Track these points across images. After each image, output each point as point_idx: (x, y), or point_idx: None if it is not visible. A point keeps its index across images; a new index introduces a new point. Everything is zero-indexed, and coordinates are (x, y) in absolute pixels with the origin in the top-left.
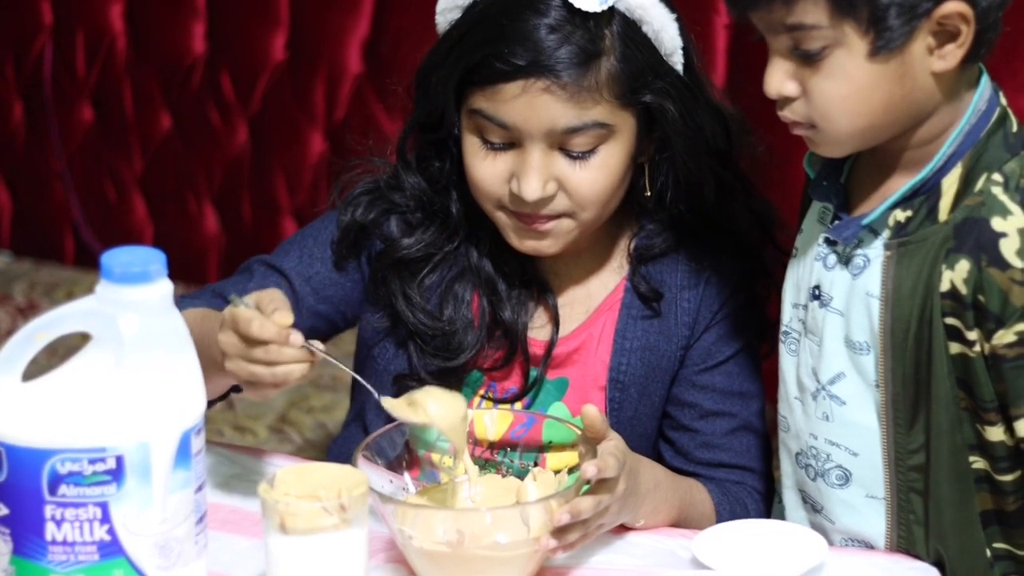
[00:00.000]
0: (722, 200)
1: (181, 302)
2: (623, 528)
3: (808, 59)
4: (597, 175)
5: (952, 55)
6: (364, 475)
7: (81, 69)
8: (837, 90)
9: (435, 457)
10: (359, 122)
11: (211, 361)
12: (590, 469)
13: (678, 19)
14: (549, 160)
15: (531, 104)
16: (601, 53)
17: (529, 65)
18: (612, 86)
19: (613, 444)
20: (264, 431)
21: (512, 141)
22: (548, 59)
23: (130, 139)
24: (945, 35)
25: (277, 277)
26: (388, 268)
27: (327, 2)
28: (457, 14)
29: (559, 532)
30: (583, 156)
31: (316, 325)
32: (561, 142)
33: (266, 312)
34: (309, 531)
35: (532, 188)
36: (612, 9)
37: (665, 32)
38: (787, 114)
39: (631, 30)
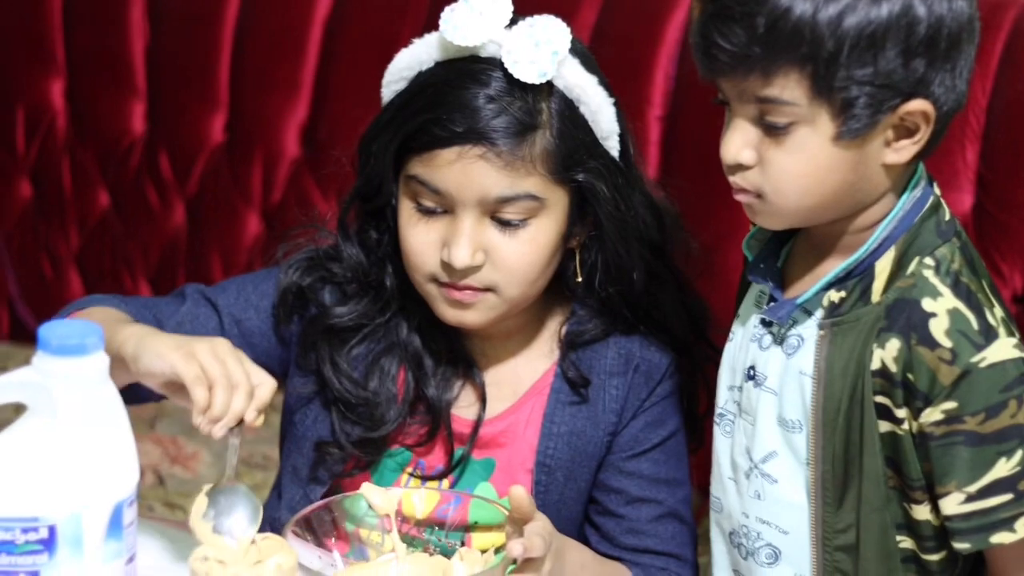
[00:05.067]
0: (652, 289)
1: (94, 299)
2: None
3: (772, 131)
4: (526, 248)
5: (907, 150)
6: (293, 549)
7: (20, 145)
8: (795, 166)
9: (363, 533)
10: (295, 205)
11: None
12: (516, 548)
13: (616, 104)
14: (480, 229)
15: (466, 170)
16: (537, 126)
17: (466, 132)
18: (546, 160)
19: (540, 525)
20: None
21: (445, 207)
22: (485, 127)
23: (67, 216)
24: (903, 130)
25: (209, 310)
26: (319, 334)
27: (266, 86)
28: (402, 85)
29: None
30: (513, 227)
31: None
32: (493, 210)
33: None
34: None
35: (461, 255)
36: (551, 86)
37: (602, 115)
38: (738, 180)
39: (568, 108)
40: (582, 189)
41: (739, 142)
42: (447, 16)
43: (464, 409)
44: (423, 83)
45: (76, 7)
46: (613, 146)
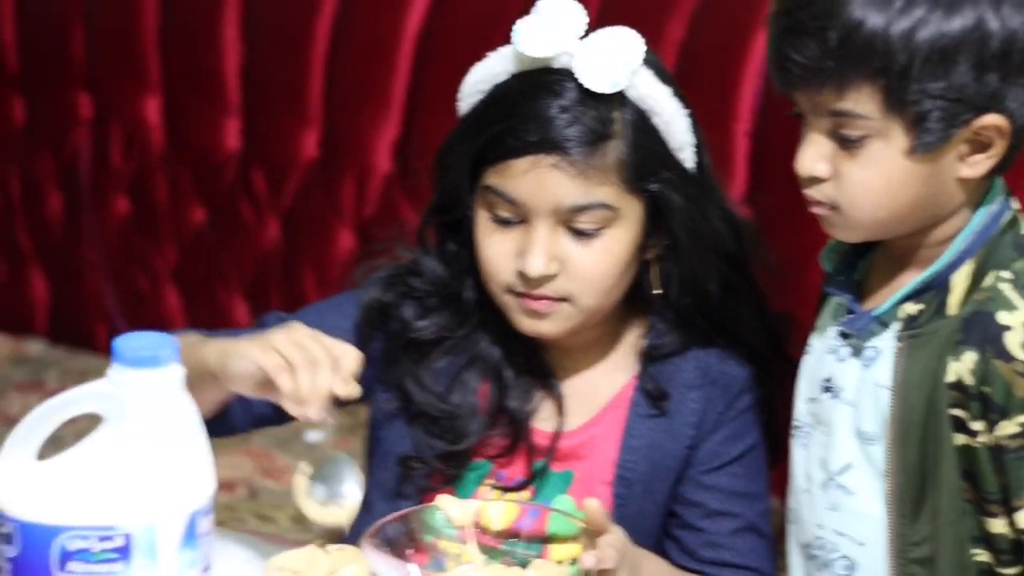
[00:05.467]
0: (729, 302)
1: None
2: None
3: (846, 144)
4: (600, 258)
5: (981, 164)
6: (364, 560)
7: (117, 161)
8: (869, 179)
9: (442, 544)
10: (388, 220)
11: (203, 371)
12: (589, 559)
13: (691, 115)
14: (554, 238)
15: (539, 180)
16: (610, 136)
17: (539, 141)
18: (619, 170)
19: (614, 537)
20: (286, 520)
21: (520, 217)
22: (558, 136)
23: (163, 231)
24: (978, 144)
25: None
26: (400, 349)
27: (359, 102)
28: (478, 98)
29: None
30: (588, 237)
31: None
32: (567, 220)
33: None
34: None
35: (536, 264)
36: (624, 96)
37: (675, 126)
38: (812, 193)
39: (641, 119)
40: (656, 199)
41: (814, 155)
42: (520, 28)
43: (543, 422)
44: (497, 95)
45: (172, 26)
46: (688, 157)
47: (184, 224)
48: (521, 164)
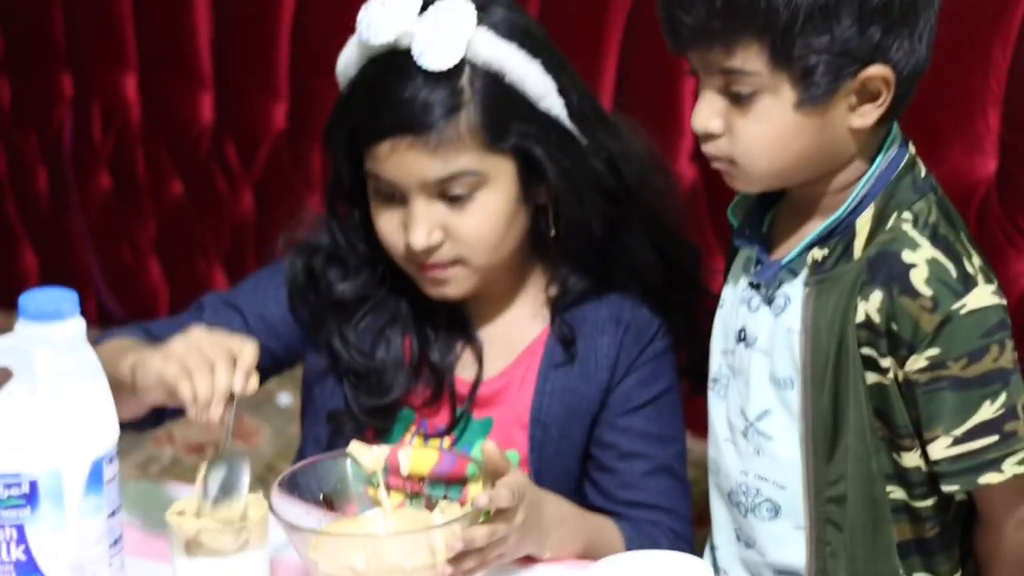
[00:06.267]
0: (617, 239)
1: (110, 333)
2: (529, 559)
3: (738, 100)
4: (478, 220)
5: (870, 114)
6: (263, 501)
7: (98, 138)
8: (760, 133)
9: (370, 491)
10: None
11: (120, 384)
12: (482, 499)
13: (544, 62)
14: (432, 210)
15: (401, 160)
16: (460, 106)
17: (393, 125)
18: (474, 135)
19: (511, 478)
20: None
21: (400, 193)
22: (409, 118)
23: (144, 204)
24: (866, 95)
25: (231, 312)
26: (327, 310)
27: (325, 74)
28: (347, 77)
29: (455, 560)
30: (462, 201)
31: (263, 361)
32: (439, 190)
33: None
34: (210, 553)
35: (418, 237)
36: (468, 64)
37: (528, 79)
38: (710, 149)
39: (491, 81)
40: (522, 153)
41: (708, 112)
42: (362, 16)
43: (464, 370)
44: (353, 83)
45: (146, 5)
46: (552, 104)
47: (163, 197)
48: (383, 148)
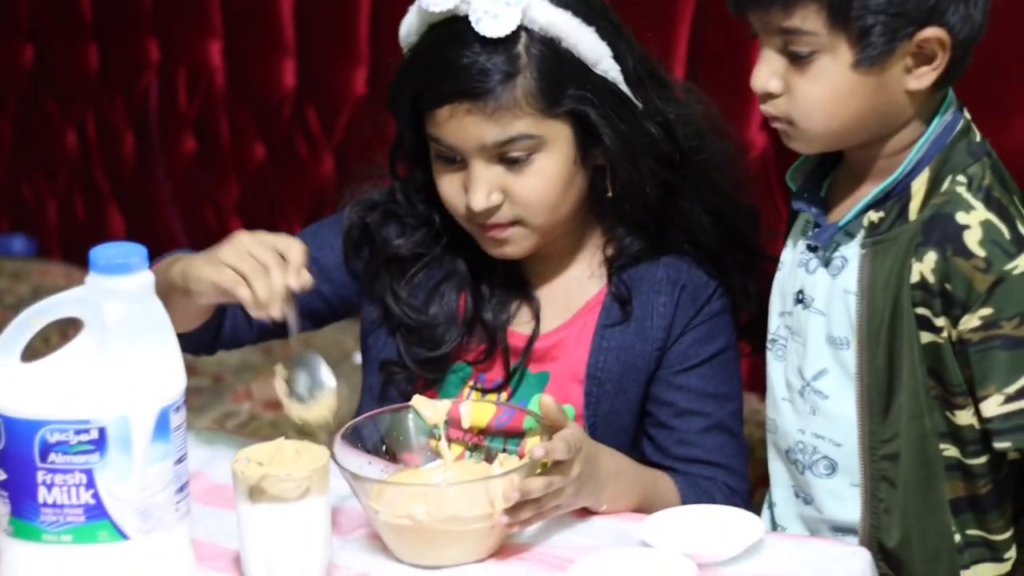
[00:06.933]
0: (672, 201)
1: (163, 256)
2: (586, 512)
3: (796, 60)
4: (536, 182)
5: (926, 76)
6: (326, 451)
7: (183, 103)
8: (819, 92)
9: (432, 443)
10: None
11: (171, 288)
12: (538, 451)
13: (599, 29)
14: (491, 172)
15: (460, 125)
16: (517, 72)
17: (452, 91)
18: (531, 100)
19: (568, 431)
20: (324, 436)
21: (460, 156)
22: (467, 83)
23: (227, 168)
24: (922, 57)
25: None
26: (381, 265)
27: None
28: (409, 44)
29: (512, 510)
30: (520, 164)
31: (315, 304)
32: (498, 153)
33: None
34: (273, 500)
35: (477, 199)
36: (524, 31)
37: (582, 44)
38: (768, 108)
39: (546, 47)
40: (578, 116)
41: (767, 72)
42: None
43: (522, 325)
44: (414, 50)
45: None
46: (608, 68)
47: (246, 161)
48: (443, 113)
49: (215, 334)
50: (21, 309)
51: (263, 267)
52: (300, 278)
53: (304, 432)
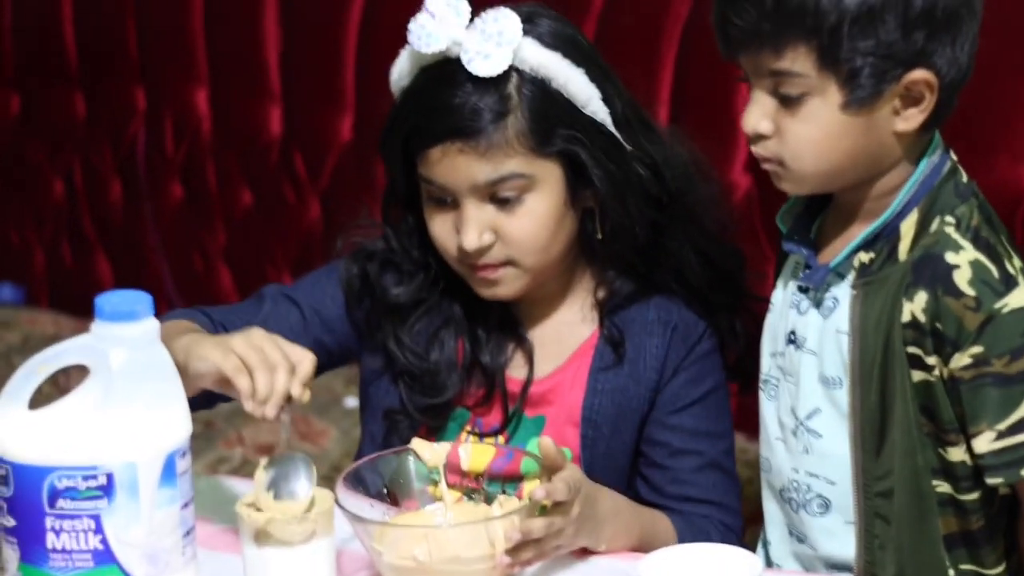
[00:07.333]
0: (661, 243)
1: (171, 313)
2: (586, 551)
3: (787, 102)
4: (527, 222)
5: (914, 118)
6: (331, 494)
7: (170, 150)
8: (809, 133)
9: (431, 489)
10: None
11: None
12: (539, 492)
13: (588, 71)
14: (482, 212)
15: (452, 164)
16: (508, 112)
17: (444, 131)
18: (522, 139)
19: (567, 473)
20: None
21: (451, 197)
22: (459, 124)
23: (215, 214)
24: (910, 99)
25: (289, 305)
26: (383, 313)
27: (389, 89)
28: (400, 87)
29: (513, 550)
30: (512, 204)
31: (317, 353)
32: (489, 193)
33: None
34: (278, 543)
35: (469, 238)
36: (515, 72)
37: (572, 85)
38: (759, 150)
39: (536, 87)
40: (568, 157)
41: (758, 114)
42: (412, 27)
43: (517, 370)
44: (406, 92)
45: (216, 20)
46: (597, 109)
47: (233, 207)
48: (435, 153)
49: (213, 396)
50: (11, 357)
51: (271, 365)
52: (303, 391)
53: (267, 531)
